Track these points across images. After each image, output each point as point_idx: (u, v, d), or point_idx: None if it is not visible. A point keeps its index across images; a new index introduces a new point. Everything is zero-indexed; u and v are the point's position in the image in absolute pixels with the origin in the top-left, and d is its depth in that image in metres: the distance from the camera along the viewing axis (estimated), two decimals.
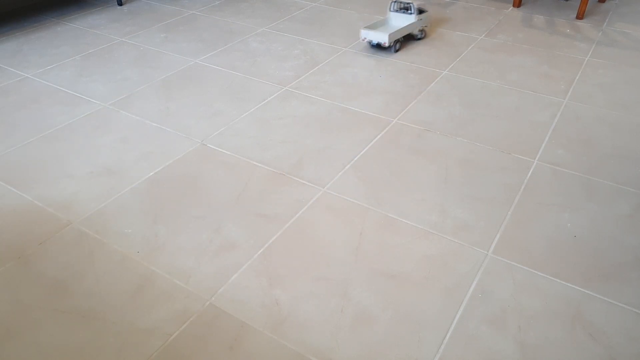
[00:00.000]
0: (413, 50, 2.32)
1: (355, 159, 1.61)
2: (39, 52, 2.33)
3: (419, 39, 2.42)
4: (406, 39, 2.42)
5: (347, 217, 1.38)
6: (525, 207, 1.42)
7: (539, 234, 1.33)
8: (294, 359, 1.03)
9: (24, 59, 2.27)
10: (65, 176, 1.55)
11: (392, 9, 2.38)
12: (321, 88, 2.02)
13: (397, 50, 2.30)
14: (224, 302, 1.15)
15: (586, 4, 2.59)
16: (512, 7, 2.81)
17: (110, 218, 1.39)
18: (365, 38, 2.28)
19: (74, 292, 1.18)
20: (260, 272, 1.23)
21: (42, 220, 1.39)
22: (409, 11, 2.33)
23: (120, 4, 2.89)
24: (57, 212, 1.41)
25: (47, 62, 2.25)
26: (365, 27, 2.28)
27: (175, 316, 1.12)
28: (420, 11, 2.37)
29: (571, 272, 1.22)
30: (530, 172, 1.55)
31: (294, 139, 1.71)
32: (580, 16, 2.63)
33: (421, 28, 2.39)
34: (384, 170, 1.56)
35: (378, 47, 2.35)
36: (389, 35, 2.20)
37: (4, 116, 1.86)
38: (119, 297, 1.16)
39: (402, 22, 2.36)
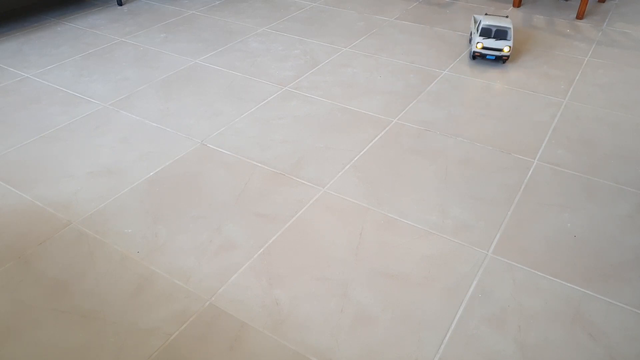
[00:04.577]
0: (413, 50, 2.32)
1: (355, 159, 1.61)
2: (39, 52, 2.33)
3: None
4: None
5: (347, 217, 1.38)
6: (525, 207, 1.42)
7: (539, 234, 1.33)
8: (294, 359, 1.03)
9: (24, 59, 2.27)
10: (65, 176, 1.55)
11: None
12: (321, 88, 2.02)
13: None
14: (224, 302, 1.15)
15: (586, 4, 2.58)
16: (512, 7, 2.81)
17: (110, 218, 1.39)
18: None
19: (74, 292, 1.18)
20: (260, 272, 1.23)
21: (42, 220, 1.39)
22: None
23: (120, 4, 2.89)
24: (57, 212, 1.41)
25: (47, 62, 2.25)
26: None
27: (175, 316, 1.12)
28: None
29: (571, 272, 1.22)
30: (530, 172, 1.55)
31: (294, 139, 1.71)
32: (580, 16, 2.63)
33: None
34: (384, 170, 1.56)
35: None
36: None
37: (4, 116, 1.86)
38: (119, 297, 1.16)
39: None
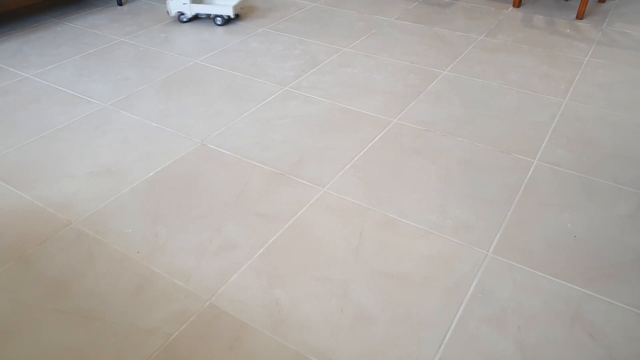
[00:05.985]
0: (413, 50, 2.32)
1: (355, 159, 1.61)
2: (39, 52, 2.33)
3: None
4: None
5: (347, 217, 1.38)
6: (525, 207, 1.42)
7: (539, 234, 1.33)
8: (294, 359, 1.03)
9: (24, 59, 2.27)
10: (65, 176, 1.55)
11: None
12: (321, 88, 2.02)
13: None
14: (224, 302, 1.15)
15: (586, 4, 2.59)
16: (512, 7, 2.81)
17: (110, 218, 1.39)
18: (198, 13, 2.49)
19: (74, 292, 1.18)
20: (260, 272, 1.23)
21: (42, 220, 1.39)
22: None
23: (120, 4, 2.89)
24: (57, 212, 1.41)
25: (47, 62, 2.25)
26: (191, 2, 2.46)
27: (175, 316, 1.12)
28: None
29: (571, 272, 1.22)
30: (530, 172, 1.55)
31: (294, 139, 1.71)
32: (580, 16, 2.63)
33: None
34: (383, 170, 1.56)
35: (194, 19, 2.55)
36: (234, 6, 2.50)
37: (4, 116, 1.86)
38: (119, 297, 1.16)
39: None
